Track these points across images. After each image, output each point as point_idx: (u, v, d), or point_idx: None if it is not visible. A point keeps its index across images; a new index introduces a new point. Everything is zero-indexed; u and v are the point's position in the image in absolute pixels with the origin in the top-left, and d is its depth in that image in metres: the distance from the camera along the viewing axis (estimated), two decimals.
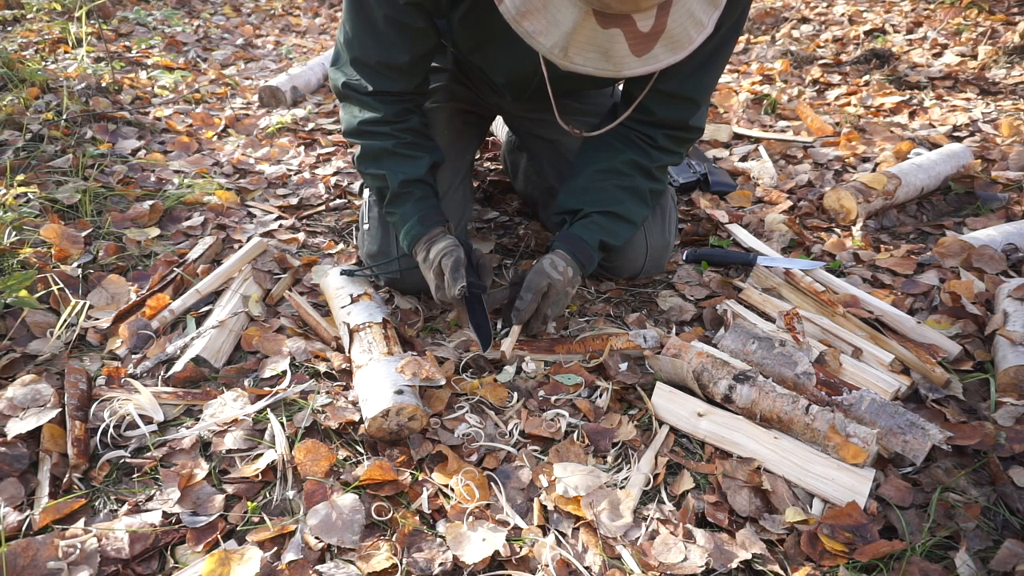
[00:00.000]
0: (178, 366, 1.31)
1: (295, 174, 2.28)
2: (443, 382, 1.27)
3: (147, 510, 1.04)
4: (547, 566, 0.99)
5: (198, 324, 1.46)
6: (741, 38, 4.29)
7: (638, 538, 1.05)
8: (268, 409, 1.24)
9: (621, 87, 1.56)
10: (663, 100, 1.36)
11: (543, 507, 1.10)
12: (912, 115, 2.90)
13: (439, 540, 1.02)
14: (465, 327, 1.49)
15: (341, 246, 1.86)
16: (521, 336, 1.45)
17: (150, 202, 1.92)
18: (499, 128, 2.24)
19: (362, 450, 1.19)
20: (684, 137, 1.47)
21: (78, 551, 0.96)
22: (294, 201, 2.09)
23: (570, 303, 1.51)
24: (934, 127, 2.74)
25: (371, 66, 1.35)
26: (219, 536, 1.01)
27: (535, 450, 1.22)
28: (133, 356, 1.37)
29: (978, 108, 2.92)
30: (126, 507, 1.05)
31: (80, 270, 1.59)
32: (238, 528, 1.04)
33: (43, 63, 3.09)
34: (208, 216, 1.92)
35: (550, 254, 1.44)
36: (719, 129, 2.68)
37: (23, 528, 1.01)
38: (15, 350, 1.34)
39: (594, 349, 1.44)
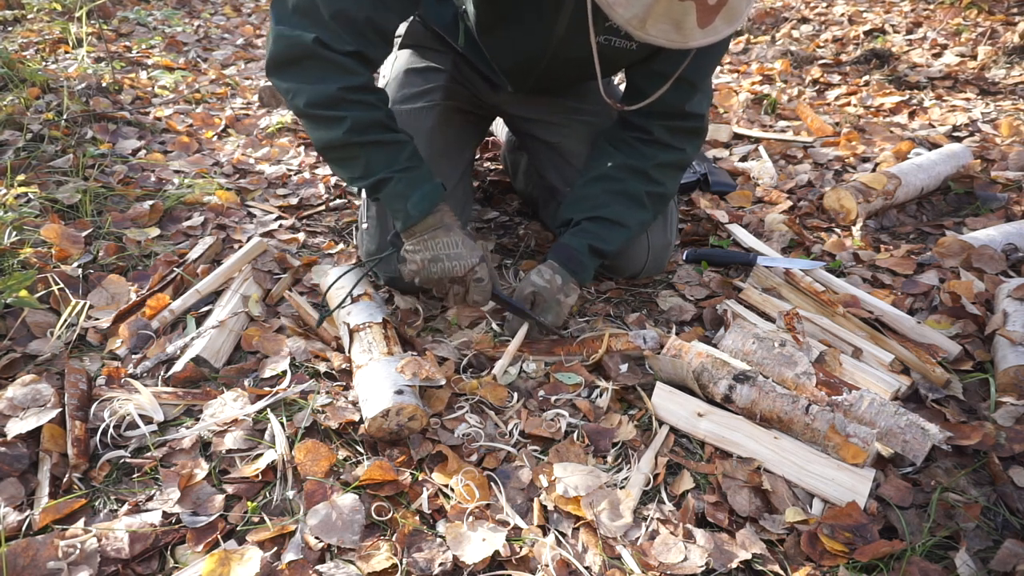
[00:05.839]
0: (178, 366, 1.31)
1: (295, 174, 2.28)
2: (443, 382, 1.27)
3: (147, 510, 1.04)
4: (547, 566, 0.99)
5: (198, 324, 1.46)
6: (741, 38, 4.29)
7: (638, 538, 1.05)
8: (268, 409, 1.24)
9: (624, 87, 1.56)
10: (660, 82, 1.31)
11: (543, 507, 1.10)
12: (912, 115, 2.91)
13: (439, 540, 1.02)
14: (515, 315, 1.48)
15: (341, 246, 1.86)
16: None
17: (150, 202, 1.92)
18: (499, 128, 2.24)
19: (362, 450, 1.19)
20: (682, 127, 1.45)
21: (78, 551, 0.96)
22: (294, 201, 2.09)
23: (571, 309, 1.52)
24: (934, 127, 2.74)
25: (358, 22, 1.19)
26: (219, 536, 1.01)
27: (535, 450, 1.22)
28: (133, 356, 1.37)
29: (978, 108, 2.92)
30: (126, 507, 1.05)
31: (80, 270, 1.59)
32: (238, 528, 1.04)
33: (43, 63, 3.09)
34: (208, 216, 1.92)
35: (541, 264, 1.49)
36: (719, 129, 2.68)
37: (23, 528, 1.01)
38: (15, 350, 1.34)
39: (593, 349, 1.44)
